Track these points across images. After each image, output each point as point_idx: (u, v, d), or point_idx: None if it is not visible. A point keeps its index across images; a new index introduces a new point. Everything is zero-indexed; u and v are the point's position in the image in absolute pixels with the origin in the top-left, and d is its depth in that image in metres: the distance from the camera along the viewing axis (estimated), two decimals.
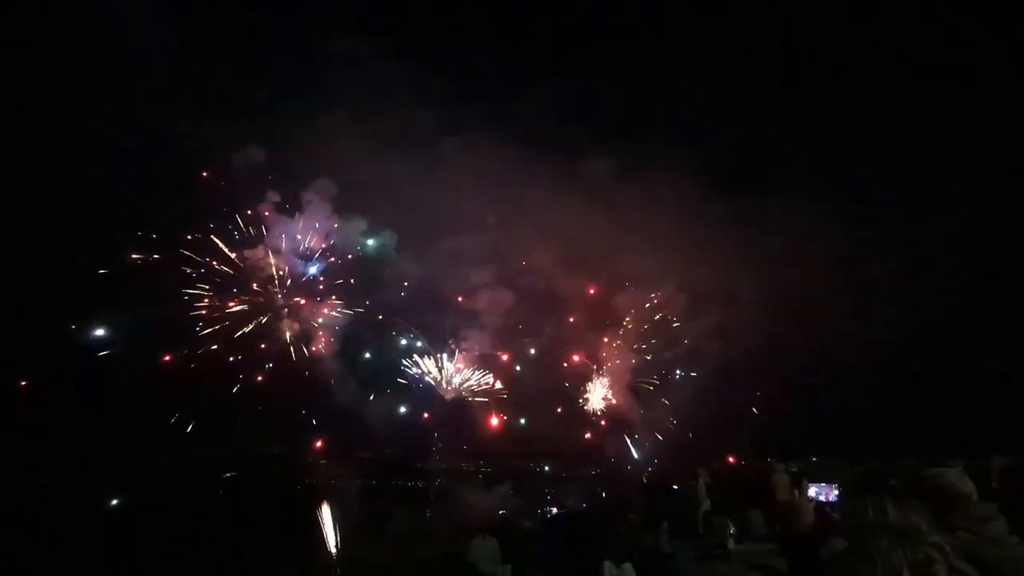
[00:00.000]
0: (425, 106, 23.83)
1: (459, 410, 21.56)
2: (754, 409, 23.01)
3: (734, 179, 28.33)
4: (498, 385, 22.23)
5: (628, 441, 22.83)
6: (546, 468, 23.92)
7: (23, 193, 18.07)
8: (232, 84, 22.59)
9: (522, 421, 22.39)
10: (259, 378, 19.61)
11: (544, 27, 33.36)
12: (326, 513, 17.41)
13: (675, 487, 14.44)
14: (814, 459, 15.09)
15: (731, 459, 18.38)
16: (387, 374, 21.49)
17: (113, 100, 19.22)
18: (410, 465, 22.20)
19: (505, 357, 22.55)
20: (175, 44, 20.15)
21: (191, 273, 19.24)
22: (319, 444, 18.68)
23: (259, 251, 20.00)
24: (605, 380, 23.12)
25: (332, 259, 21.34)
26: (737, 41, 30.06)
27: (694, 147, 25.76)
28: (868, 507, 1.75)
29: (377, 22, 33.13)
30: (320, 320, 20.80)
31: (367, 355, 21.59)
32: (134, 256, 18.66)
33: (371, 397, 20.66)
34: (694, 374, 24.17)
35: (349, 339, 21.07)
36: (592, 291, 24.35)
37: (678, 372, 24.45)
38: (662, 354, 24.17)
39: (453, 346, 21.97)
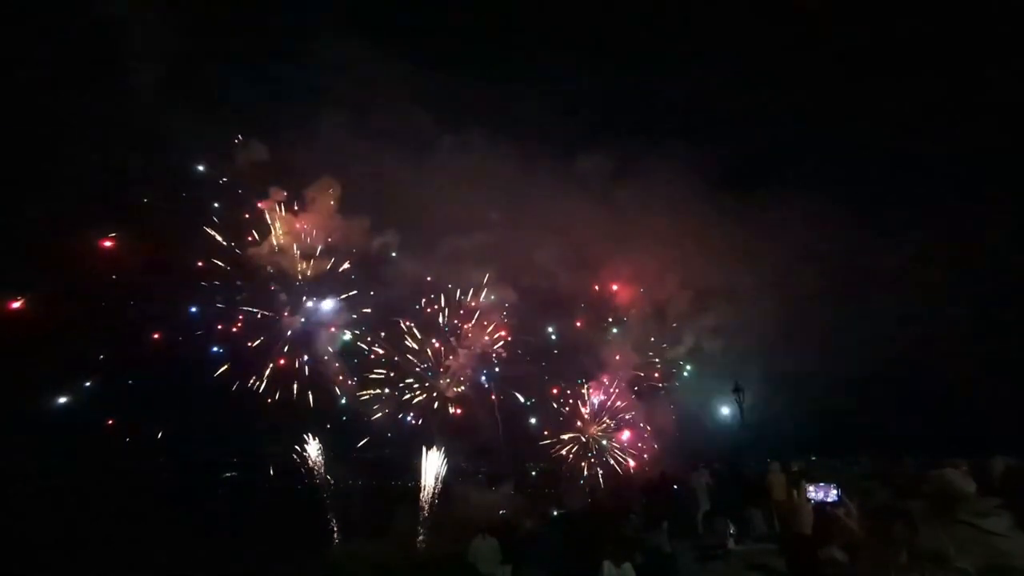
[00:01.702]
0: (429, 104, 23.87)
1: (460, 408, 21.53)
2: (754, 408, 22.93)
3: (734, 176, 28.39)
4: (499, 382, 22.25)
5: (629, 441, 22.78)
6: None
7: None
8: (231, 80, 22.58)
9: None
10: (259, 377, 19.56)
11: (545, 25, 33.35)
12: (326, 513, 17.46)
13: (675, 487, 14.46)
14: (814, 459, 15.10)
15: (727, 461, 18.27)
16: (387, 373, 21.44)
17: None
18: (410, 464, 22.13)
19: (505, 355, 22.50)
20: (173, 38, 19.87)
21: (190, 272, 19.21)
22: (319, 444, 18.63)
23: (263, 249, 19.96)
24: (606, 379, 23.04)
25: (334, 258, 21.29)
26: (737, 38, 29.99)
27: (695, 145, 25.82)
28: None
29: (377, 20, 33.08)
30: (322, 319, 20.78)
31: (368, 354, 21.54)
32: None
33: (371, 397, 20.64)
34: (695, 373, 24.15)
35: (351, 338, 21.04)
36: (593, 289, 24.33)
37: (680, 371, 24.40)
38: (664, 353, 24.14)
39: (455, 345, 21.94)
